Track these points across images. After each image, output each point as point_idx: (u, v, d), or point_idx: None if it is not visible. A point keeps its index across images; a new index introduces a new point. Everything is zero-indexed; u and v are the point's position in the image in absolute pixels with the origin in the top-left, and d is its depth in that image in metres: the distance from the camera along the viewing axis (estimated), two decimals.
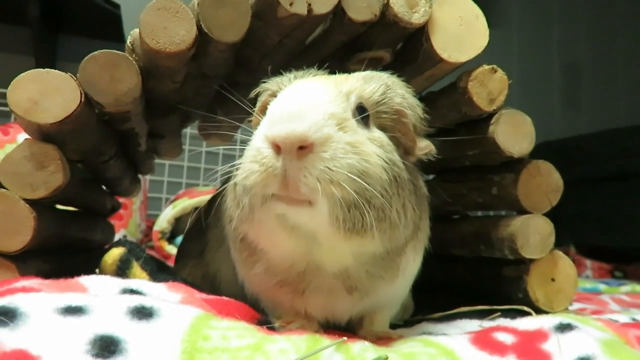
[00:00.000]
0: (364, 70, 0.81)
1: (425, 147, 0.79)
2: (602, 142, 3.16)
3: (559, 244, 1.02)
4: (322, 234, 0.68)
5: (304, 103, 0.66)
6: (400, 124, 0.77)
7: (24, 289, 0.65)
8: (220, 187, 0.90)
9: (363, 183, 0.65)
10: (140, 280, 0.83)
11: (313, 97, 0.68)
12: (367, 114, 0.74)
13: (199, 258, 1.09)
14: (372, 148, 0.69)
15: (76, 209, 1.17)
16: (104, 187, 1.34)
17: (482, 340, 0.72)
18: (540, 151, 1.01)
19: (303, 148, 0.63)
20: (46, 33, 2.68)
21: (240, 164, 0.70)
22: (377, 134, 0.74)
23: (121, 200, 1.63)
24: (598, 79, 4.21)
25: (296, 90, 0.71)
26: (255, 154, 0.66)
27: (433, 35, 0.91)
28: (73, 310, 0.58)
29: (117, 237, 1.49)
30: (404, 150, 0.78)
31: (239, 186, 0.70)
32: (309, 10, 0.85)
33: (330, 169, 0.63)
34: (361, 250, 0.72)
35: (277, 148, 0.64)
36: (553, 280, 1.01)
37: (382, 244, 0.71)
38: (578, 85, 4.20)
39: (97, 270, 0.98)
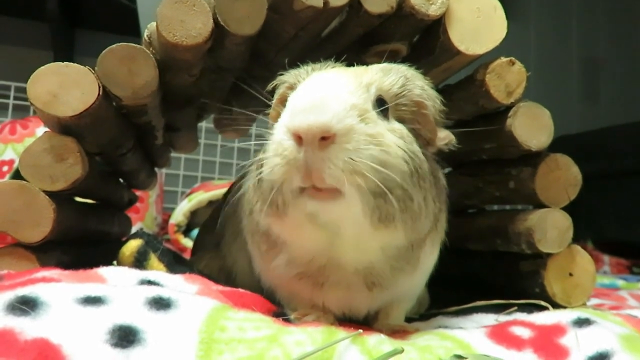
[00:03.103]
0: (381, 62, 0.80)
1: (445, 137, 0.78)
2: (620, 136, 3.11)
3: (576, 239, 1.00)
4: (352, 227, 0.68)
5: (326, 94, 0.66)
6: (419, 115, 0.76)
7: (44, 279, 0.66)
8: (237, 180, 0.90)
9: (385, 172, 0.65)
10: (157, 271, 0.83)
11: (334, 88, 0.68)
12: (386, 104, 0.73)
13: (216, 250, 1.10)
14: (393, 139, 0.69)
15: (94, 202, 1.18)
16: (121, 180, 1.36)
17: (499, 334, 0.72)
18: (558, 145, 1.00)
19: (325, 139, 0.63)
20: (64, 28, 2.72)
21: (264, 158, 0.70)
22: (397, 125, 0.73)
23: (138, 193, 1.65)
24: (617, 73, 4.14)
25: (317, 82, 0.71)
26: (277, 147, 0.66)
27: (450, 27, 0.91)
28: (92, 301, 0.59)
29: (134, 230, 1.51)
30: (424, 141, 0.77)
31: (265, 182, 0.70)
32: (325, 3, 0.85)
33: (353, 160, 0.63)
34: (388, 243, 0.72)
35: (299, 139, 0.64)
36: (571, 275, 1.00)
37: (405, 235, 0.71)
38: (597, 78, 4.14)
39: (115, 262, 0.99)
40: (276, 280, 0.83)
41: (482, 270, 1.21)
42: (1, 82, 2.71)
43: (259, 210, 0.74)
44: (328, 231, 0.69)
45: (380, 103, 0.73)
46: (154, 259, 0.95)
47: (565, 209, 0.99)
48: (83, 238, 1.07)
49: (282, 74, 0.83)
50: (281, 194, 0.68)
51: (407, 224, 0.70)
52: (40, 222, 0.81)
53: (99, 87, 0.82)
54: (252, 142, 0.77)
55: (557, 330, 0.72)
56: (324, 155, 0.63)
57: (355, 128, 0.65)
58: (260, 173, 0.71)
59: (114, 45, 0.83)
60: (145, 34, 0.89)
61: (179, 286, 0.75)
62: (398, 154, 0.68)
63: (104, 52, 0.82)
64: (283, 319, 0.68)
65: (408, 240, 0.73)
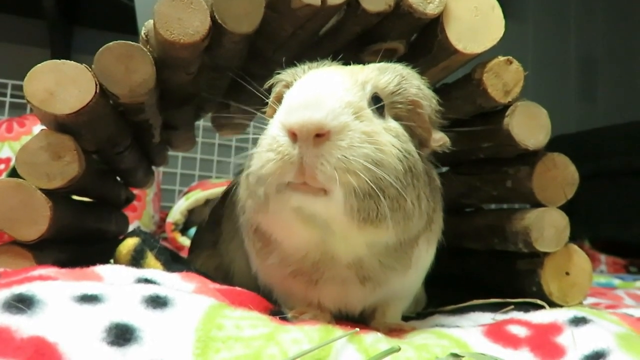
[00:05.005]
0: (378, 61, 0.80)
1: (439, 139, 0.79)
2: (618, 136, 3.12)
3: (573, 238, 1.01)
4: (337, 224, 0.68)
5: (321, 91, 0.66)
6: (415, 114, 0.76)
7: (41, 277, 0.65)
8: (234, 178, 0.90)
9: (378, 172, 0.65)
10: (154, 270, 0.83)
11: (329, 85, 0.68)
12: (382, 102, 0.73)
13: (213, 249, 1.10)
14: (388, 138, 0.69)
15: (91, 200, 1.18)
16: (118, 178, 1.35)
17: (496, 333, 0.72)
18: (555, 144, 1.00)
19: (320, 136, 0.63)
20: (61, 25, 2.71)
21: (253, 153, 0.70)
22: (393, 124, 0.73)
23: (135, 192, 1.64)
24: (614, 72, 4.15)
25: (312, 79, 0.71)
26: (271, 142, 0.66)
27: (448, 26, 0.90)
28: (89, 299, 0.58)
29: (131, 228, 1.51)
30: (419, 141, 0.77)
31: (252, 176, 0.70)
32: (323, 1, 0.85)
33: (346, 158, 0.63)
34: (375, 241, 0.72)
35: (294, 136, 0.64)
36: (567, 274, 1.00)
37: (395, 234, 0.71)
38: (594, 78, 4.14)
39: (112, 260, 0.99)
40: (272, 279, 0.84)
41: (479, 269, 1.21)
42: None
43: (248, 205, 0.74)
44: (318, 226, 0.69)
45: (376, 101, 0.73)
46: (150, 258, 0.95)
47: (562, 208, 1.00)
48: (80, 236, 1.07)
49: (279, 73, 0.83)
50: (264, 187, 0.68)
51: (399, 223, 0.70)
52: (36, 220, 0.81)
53: (96, 85, 0.82)
54: (250, 140, 0.77)
55: (554, 329, 0.72)
56: (318, 152, 0.63)
57: (350, 125, 0.65)
58: (249, 167, 0.72)
59: (111, 43, 0.82)
60: (143, 31, 0.89)
61: (176, 284, 0.75)
62: (392, 152, 0.68)
63: (100, 50, 0.82)
64: (280, 318, 0.68)
65: (398, 239, 0.73)
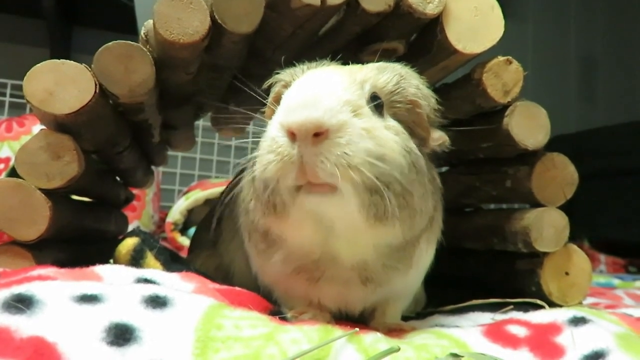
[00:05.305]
0: (378, 61, 0.80)
1: (439, 137, 0.78)
2: (617, 136, 3.13)
3: (573, 238, 1.01)
4: (348, 223, 0.67)
5: (319, 90, 0.66)
6: (414, 114, 0.76)
7: (40, 277, 0.65)
8: (234, 179, 0.90)
9: (382, 166, 0.64)
10: (154, 269, 0.83)
11: (328, 84, 0.68)
12: (380, 101, 0.73)
13: (213, 249, 1.10)
14: (388, 134, 0.69)
15: (91, 200, 1.18)
16: (117, 178, 1.35)
17: (495, 333, 0.72)
18: (555, 144, 1.00)
19: (319, 134, 0.63)
20: (61, 25, 2.71)
21: (256, 156, 0.70)
22: (392, 122, 0.73)
23: (134, 191, 1.64)
24: (614, 72, 4.15)
25: (310, 79, 0.71)
26: (271, 144, 0.66)
27: (447, 26, 0.90)
28: (88, 299, 0.58)
29: (131, 228, 1.51)
30: (418, 140, 0.77)
31: (258, 180, 0.69)
32: (323, 1, 0.85)
33: (347, 154, 0.63)
34: (382, 241, 0.72)
35: (292, 136, 0.63)
36: (567, 274, 1.00)
37: (402, 233, 0.71)
38: (594, 78, 4.15)
39: (111, 260, 0.99)
40: (273, 278, 0.83)
41: (479, 269, 1.21)
42: None
43: (253, 208, 0.73)
44: (323, 226, 0.69)
45: (375, 101, 0.73)
46: (150, 257, 0.95)
47: (561, 208, 1.00)
48: (79, 236, 1.07)
49: (278, 72, 0.83)
50: (279, 194, 0.67)
51: (406, 221, 0.70)
52: (36, 220, 0.81)
53: (96, 85, 0.82)
54: (250, 140, 0.77)
55: (553, 329, 0.72)
56: (317, 150, 0.63)
57: (349, 123, 0.65)
58: (253, 170, 0.71)
59: (110, 43, 0.82)
60: (143, 31, 0.89)
61: (176, 284, 0.75)
62: (394, 147, 0.68)
63: (100, 50, 0.82)
64: (279, 318, 0.68)
65: (404, 238, 0.73)
